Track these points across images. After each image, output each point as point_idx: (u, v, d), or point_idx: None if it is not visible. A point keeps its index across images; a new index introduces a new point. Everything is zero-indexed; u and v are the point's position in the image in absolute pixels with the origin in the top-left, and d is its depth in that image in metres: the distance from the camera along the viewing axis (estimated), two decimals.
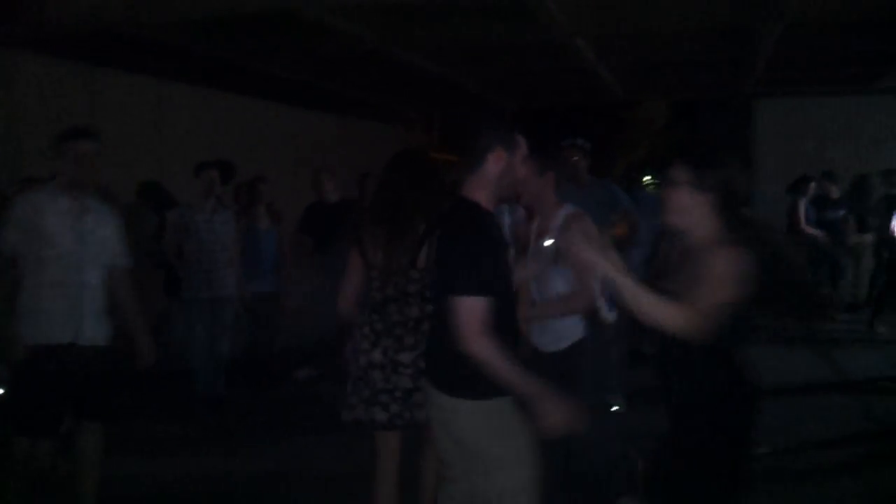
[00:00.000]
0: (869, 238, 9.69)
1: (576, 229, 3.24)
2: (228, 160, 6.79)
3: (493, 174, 2.72)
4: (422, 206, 3.46)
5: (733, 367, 2.57)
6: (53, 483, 4.01)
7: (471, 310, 2.57)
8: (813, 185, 9.41)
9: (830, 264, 9.48)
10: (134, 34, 6.32)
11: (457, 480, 2.86)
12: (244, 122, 9.31)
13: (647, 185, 10.96)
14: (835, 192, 9.54)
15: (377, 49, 7.24)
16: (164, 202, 6.95)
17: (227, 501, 4.60)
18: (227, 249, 6.18)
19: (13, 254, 3.73)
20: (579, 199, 4.12)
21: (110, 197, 4.57)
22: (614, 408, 5.72)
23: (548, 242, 3.62)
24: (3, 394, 4.26)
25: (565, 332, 3.78)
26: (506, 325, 2.72)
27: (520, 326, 3.35)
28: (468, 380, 2.64)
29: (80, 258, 3.69)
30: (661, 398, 2.72)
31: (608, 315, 4.21)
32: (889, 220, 8.73)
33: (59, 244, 3.65)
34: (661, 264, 2.80)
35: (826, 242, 9.23)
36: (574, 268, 3.00)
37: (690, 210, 2.60)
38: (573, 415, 2.57)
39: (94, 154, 3.73)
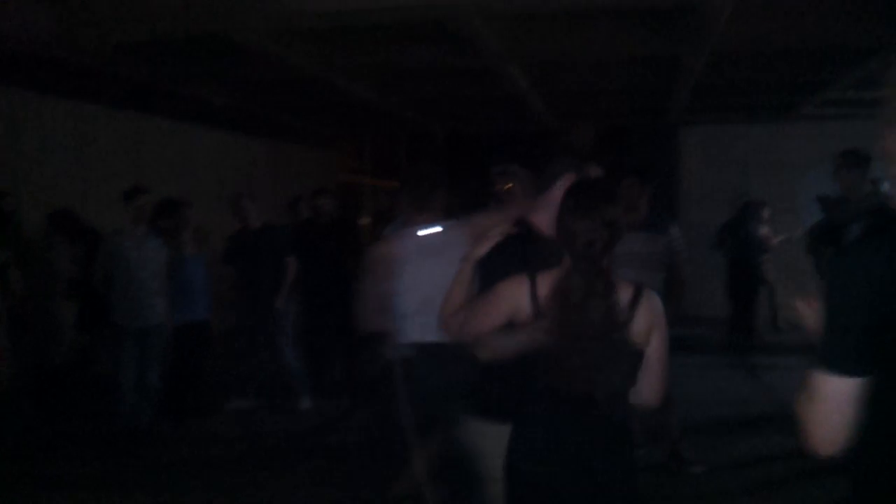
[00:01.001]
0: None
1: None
2: (172, 198, 6.64)
3: (558, 199, 2.69)
4: None
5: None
6: None
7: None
8: (767, 210, 9.61)
9: (770, 287, 9.85)
10: (58, 57, 6.13)
11: None
12: (170, 145, 9.16)
13: None
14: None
15: (307, 73, 7.19)
16: (78, 230, 6.78)
17: None
18: (158, 277, 6.02)
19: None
20: None
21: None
22: None
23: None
24: None
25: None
26: None
27: None
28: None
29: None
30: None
31: None
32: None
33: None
34: None
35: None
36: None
37: None
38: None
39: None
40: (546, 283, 2.47)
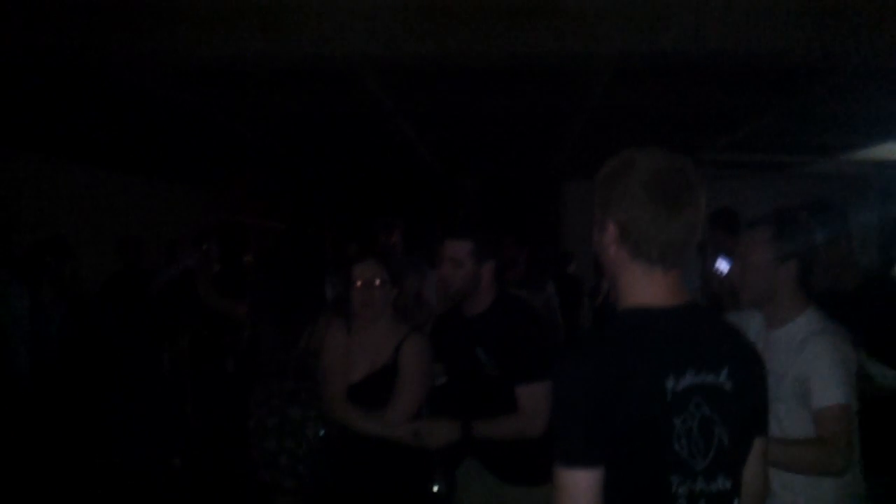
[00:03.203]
0: None
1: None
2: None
3: None
4: None
5: None
6: None
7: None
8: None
9: None
10: None
11: None
12: (39, 181, 8.75)
13: None
14: None
15: (194, 113, 7.03)
16: None
17: None
18: (20, 324, 5.68)
19: None
20: None
21: None
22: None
23: None
24: None
25: None
26: None
27: None
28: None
29: None
30: None
31: None
32: None
33: None
34: None
35: None
36: None
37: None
38: None
39: None
40: None
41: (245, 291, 6.74)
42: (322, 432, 3.55)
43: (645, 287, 1.66)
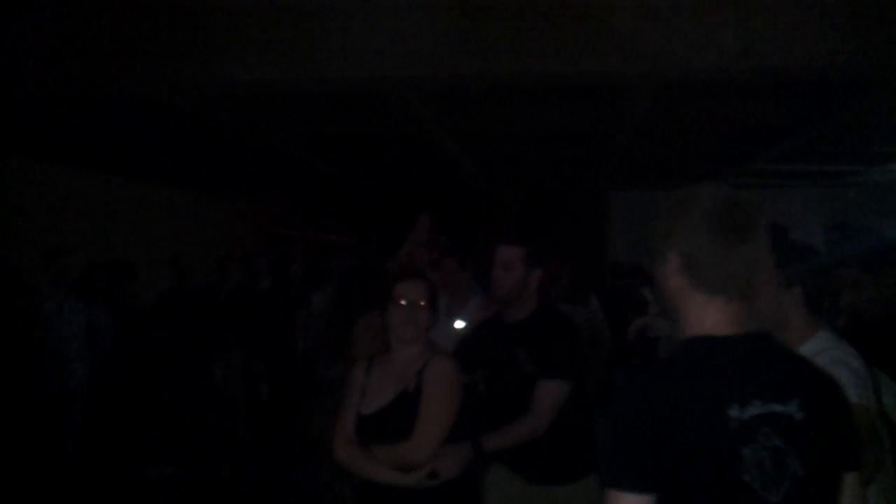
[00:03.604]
0: None
1: None
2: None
3: None
4: None
5: None
6: None
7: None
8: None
9: None
10: None
11: None
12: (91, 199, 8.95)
13: None
14: None
15: (238, 134, 7.15)
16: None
17: None
18: (76, 340, 5.84)
19: None
20: None
21: None
22: None
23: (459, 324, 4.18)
24: None
25: None
26: None
27: None
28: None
29: None
30: None
31: None
32: None
33: None
34: None
35: None
36: None
37: None
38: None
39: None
40: None
41: (296, 305, 6.85)
42: None
43: (707, 316, 1.68)
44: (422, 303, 3.00)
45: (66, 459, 5.84)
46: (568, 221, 11.56)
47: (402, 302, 2.98)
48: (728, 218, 1.65)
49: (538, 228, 11.54)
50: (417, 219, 4.66)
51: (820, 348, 2.57)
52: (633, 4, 4.35)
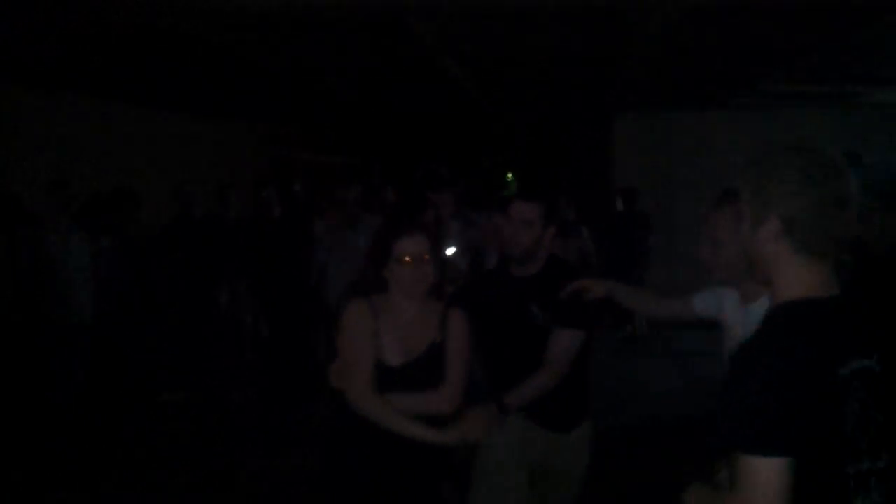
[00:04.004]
0: None
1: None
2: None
3: None
4: None
5: None
6: None
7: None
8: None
9: None
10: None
11: None
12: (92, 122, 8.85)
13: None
14: None
15: (243, 56, 7.02)
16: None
17: None
18: (82, 271, 5.85)
19: None
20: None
21: None
22: None
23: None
24: None
25: None
26: None
27: None
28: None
29: None
30: None
31: None
32: None
33: None
34: None
35: None
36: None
37: None
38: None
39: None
40: None
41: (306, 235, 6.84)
42: None
43: (808, 279, 1.71)
44: (426, 257, 2.93)
45: (76, 389, 5.92)
46: (572, 148, 11.47)
47: (407, 258, 2.91)
48: (833, 183, 1.68)
49: (541, 156, 11.45)
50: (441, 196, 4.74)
51: None
52: None
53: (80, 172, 6.89)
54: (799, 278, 1.72)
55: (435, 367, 2.93)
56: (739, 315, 2.77)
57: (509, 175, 16.22)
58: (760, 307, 2.62)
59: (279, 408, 6.60)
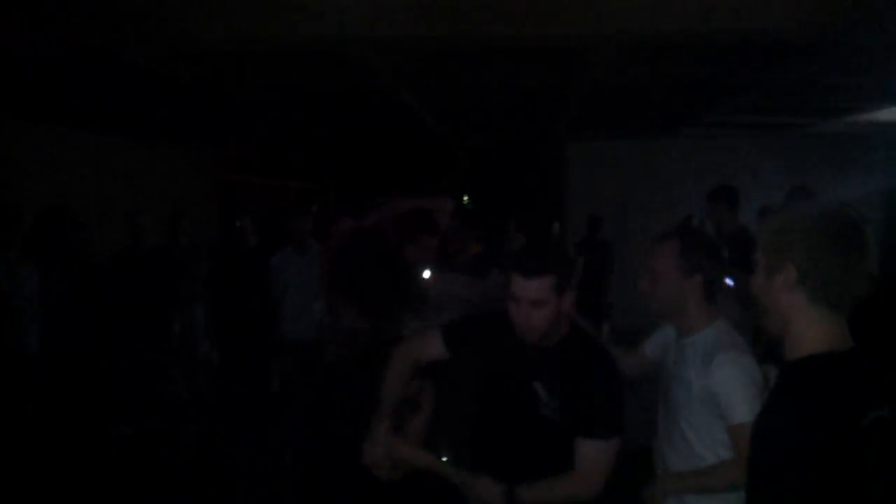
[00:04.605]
0: None
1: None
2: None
3: None
4: None
5: None
6: None
7: None
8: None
9: None
10: None
11: None
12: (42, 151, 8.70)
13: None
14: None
15: (197, 85, 6.99)
16: None
17: None
18: (30, 304, 5.74)
19: None
20: None
21: None
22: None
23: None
24: None
25: None
26: None
27: None
28: None
29: None
30: None
31: None
32: None
33: None
34: None
35: None
36: None
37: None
38: None
39: None
40: None
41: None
42: None
43: (825, 332, 1.73)
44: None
45: (26, 423, 5.80)
46: (525, 175, 11.59)
47: None
48: (850, 236, 1.71)
49: (491, 181, 11.48)
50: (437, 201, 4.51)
51: (718, 341, 2.69)
52: None
53: (24, 200, 6.72)
54: (818, 331, 1.73)
55: None
56: (677, 346, 2.83)
57: (465, 198, 16.32)
58: (695, 342, 2.73)
59: (231, 439, 6.55)
